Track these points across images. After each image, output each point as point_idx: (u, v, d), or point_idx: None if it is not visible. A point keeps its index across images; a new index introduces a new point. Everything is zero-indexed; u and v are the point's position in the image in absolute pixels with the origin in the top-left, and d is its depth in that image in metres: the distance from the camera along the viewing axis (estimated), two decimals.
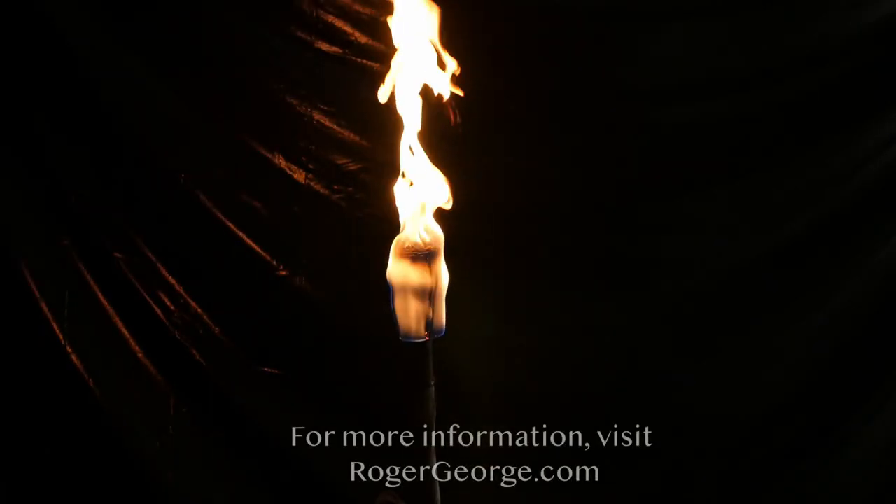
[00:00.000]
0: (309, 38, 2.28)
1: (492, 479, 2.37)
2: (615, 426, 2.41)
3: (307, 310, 2.33)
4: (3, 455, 2.26)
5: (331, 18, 2.28)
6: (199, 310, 2.33)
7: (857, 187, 2.39)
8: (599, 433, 2.41)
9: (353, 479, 2.32)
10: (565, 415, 2.40)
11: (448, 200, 1.37)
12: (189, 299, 2.32)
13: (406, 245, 1.27)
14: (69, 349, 2.26)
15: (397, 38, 1.46)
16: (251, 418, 2.34)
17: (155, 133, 2.31)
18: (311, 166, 2.31)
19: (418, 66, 1.42)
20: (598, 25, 2.33)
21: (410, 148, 1.38)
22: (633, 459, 2.42)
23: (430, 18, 1.43)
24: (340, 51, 2.29)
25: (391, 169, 1.40)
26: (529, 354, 2.37)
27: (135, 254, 2.31)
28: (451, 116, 1.42)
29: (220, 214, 2.30)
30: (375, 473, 2.24)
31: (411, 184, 1.36)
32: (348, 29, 2.28)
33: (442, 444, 1.27)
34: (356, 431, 2.33)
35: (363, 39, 2.27)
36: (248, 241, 2.31)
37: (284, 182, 2.31)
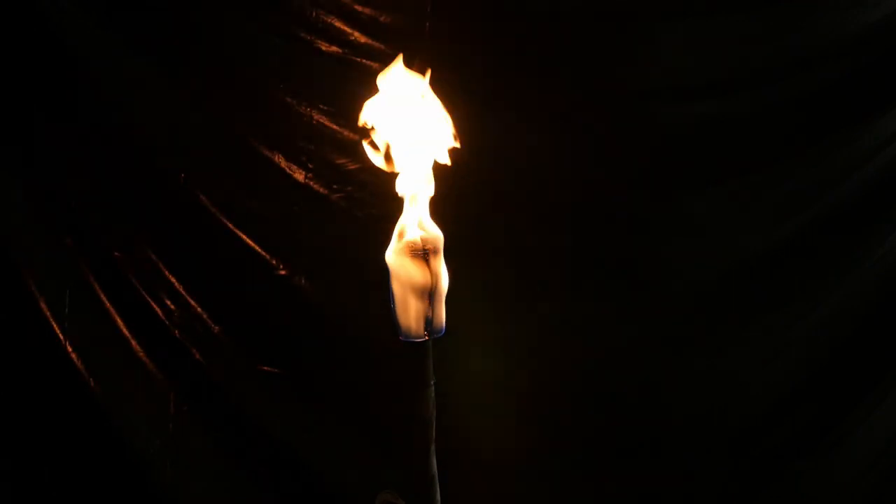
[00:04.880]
0: (309, 38, 2.28)
1: (492, 478, 2.37)
2: (615, 426, 2.42)
3: (307, 309, 2.33)
4: (4, 455, 2.26)
5: (330, 18, 2.28)
6: (200, 309, 2.33)
7: (856, 187, 2.39)
8: (599, 433, 2.41)
9: (352, 478, 2.32)
10: (565, 414, 2.40)
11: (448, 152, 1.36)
12: (189, 298, 2.33)
13: (405, 244, 1.27)
14: (69, 349, 2.26)
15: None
16: (251, 417, 2.34)
17: (155, 133, 2.32)
18: (310, 166, 2.31)
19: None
20: (598, 26, 2.33)
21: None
22: (633, 459, 2.42)
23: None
24: (340, 50, 2.29)
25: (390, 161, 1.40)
26: (529, 354, 2.37)
27: (135, 253, 2.31)
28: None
29: (219, 214, 2.31)
30: (375, 473, 2.24)
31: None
32: (348, 29, 2.28)
33: (442, 444, 1.27)
34: (356, 431, 2.34)
35: (363, 39, 2.27)
36: (248, 241, 2.31)
37: (284, 182, 2.31)
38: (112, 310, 2.30)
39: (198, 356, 2.32)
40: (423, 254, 1.26)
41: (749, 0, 2.36)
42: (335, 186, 2.32)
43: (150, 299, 2.31)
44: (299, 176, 2.31)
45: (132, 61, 2.27)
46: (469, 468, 2.29)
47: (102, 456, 2.29)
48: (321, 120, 2.31)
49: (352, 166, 2.31)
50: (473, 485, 2.29)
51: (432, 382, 1.24)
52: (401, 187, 1.33)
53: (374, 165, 1.35)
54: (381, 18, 2.25)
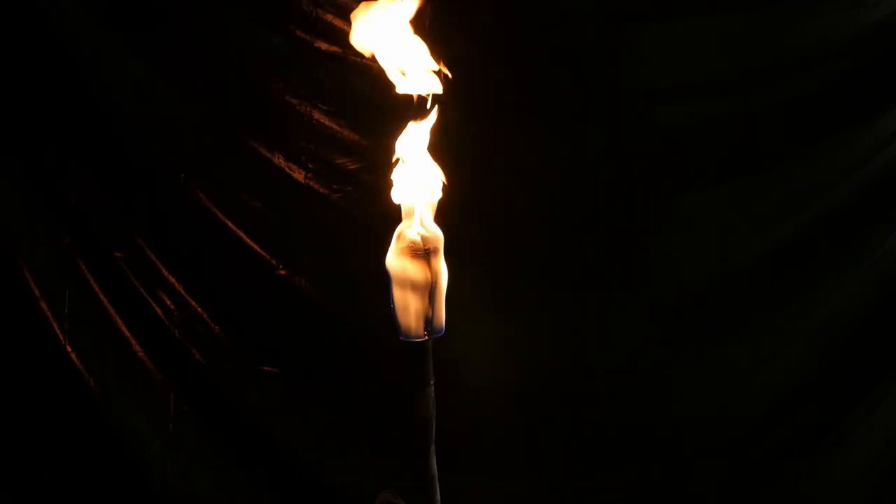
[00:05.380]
0: (309, 38, 2.28)
1: (492, 478, 2.37)
2: (614, 426, 2.42)
3: (307, 309, 2.33)
4: (4, 455, 2.26)
5: (330, 18, 2.28)
6: (199, 309, 2.33)
7: (855, 187, 2.39)
8: (599, 433, 2.41)
9: (352, 478, 2.32)
10: (564, 414, 2.40)
11: (439, 190, 1.36)
12: (189, 298, 2.32)
13: (406, 244, 1.27)
14: (69, 349, 2.25)
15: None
16: (251, 417, 2.34)
17: (155, 132, 2.31)
18: (310, 166, 2.31)
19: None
20: (598, 25, 2.33)
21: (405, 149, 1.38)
22: (633, 459, 2.42)
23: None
24: (340, 50, 2.29)
25: (390, 168, 1.41)
26: (528, 354, 2.37)
27: (135, 253, 2.31)
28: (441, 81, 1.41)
29: (220, 214, 2.30)
30: (375, 473, 2.24)
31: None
32: (348, 28, 2.28)
33: (442, 444, 1.27)
34: (355, 431, 2.34)
35: None
36: (248, 241, 2.31)
37: (284, 181, 2.31)
38: (112, 310, 2.30)
39: (198, 356, 2.32)
40: (423, 253, 1.26)
41: (749, 0, 2.36)
42: (335, 186, 2.32)
43: (150, 299, 2.31)
44: (299, 176, 2.31)
45: (132, 61, 2.27)
46: (469, 468, 2.29)
47: (102, 456, 2.29)
48: (321, 120, 2.31)
49: (352, 166, 2.31)
50: (473, 485, 2.29)
51: (432, 382, 1.24)
52: (398, 194, 1.33)
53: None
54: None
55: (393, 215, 1.34)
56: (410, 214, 1.30)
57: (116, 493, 2.31)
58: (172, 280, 2.32)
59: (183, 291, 2.32)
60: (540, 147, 2.35)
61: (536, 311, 2.39)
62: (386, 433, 2.22)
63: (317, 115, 2.30)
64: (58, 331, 2.25)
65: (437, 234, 1.29)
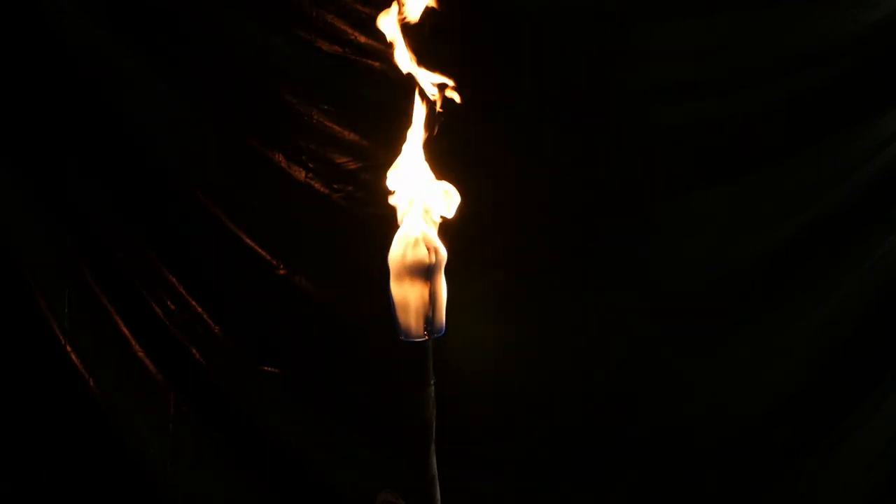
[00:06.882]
0: (309, 38, 2.28)
1: (492, 479, 2.37)
2: (614, 426, 2.42)
3: (307, 309, 2.33)
4: (4, 455, 2.26)
5: (331, 18, 2.28)
6: (199, 309, 2.33)
7: (855, 187, 2.39)
8: (599, 433, 2.41)
9: (352, 478, 2.32)
10: (564, 414, 2.40)
11: (452, 210, 1.37)
12: (189, 298, 2.33)
13: (406, 255, 1.27)
14: (69, 349, 2.25)
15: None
16: (251, 417, 2.34)
17: (155, 132, 2.31)
18: (310, 165, 2.31)
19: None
20: (598, 25, 2.33)
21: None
22: (633, 459, 2.42)
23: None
24: (340, 50, 2.29)
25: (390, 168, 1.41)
26: (529, 354, 2.37)
27: (135, 253, 2.31)
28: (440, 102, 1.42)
29: (219, 213, 2.30)
30: (375, 473, 2.24)
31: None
32: (348, 28, 2.28)
33: (442, 444, 1.27)
34: (355, 431, 2.34)
35: (363, 39, 2.27)
36: (248, 241, 2.31)
37: (284, 181, 2.31)
38: (112, 310, 2.30)
39: (198, 356, 2.32)
40: (424, 270, 1.26)
41: (749, 0, 2.36)
42: (335, 186, 2.32)
43: (150, 299, 2.31)
44: (299, 175, 2.31)
45: (132, 61, 2.27)
46: (469, 468, 2.28)
47: (102, 456, 2.29)
48: (321, 120, 2.30)
49: (352, 166, 2.31)
50: (474, 485, 2.28)
51: (432, 382, 1.24)
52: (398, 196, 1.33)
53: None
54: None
55: (393, 215, 1.34)
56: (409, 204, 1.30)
57: (116, 493, 2.31)
58: (172, 280, 2.32)
59: (183, 291, 2.32)
60: (539, 147, 2.35)
61: (537, 311, 2.38)
62: (386, 433, 2.22)
63: (317, 114, 2.30)
64: (58, 331, 2.25)
65: (440, 252, 1.28)
